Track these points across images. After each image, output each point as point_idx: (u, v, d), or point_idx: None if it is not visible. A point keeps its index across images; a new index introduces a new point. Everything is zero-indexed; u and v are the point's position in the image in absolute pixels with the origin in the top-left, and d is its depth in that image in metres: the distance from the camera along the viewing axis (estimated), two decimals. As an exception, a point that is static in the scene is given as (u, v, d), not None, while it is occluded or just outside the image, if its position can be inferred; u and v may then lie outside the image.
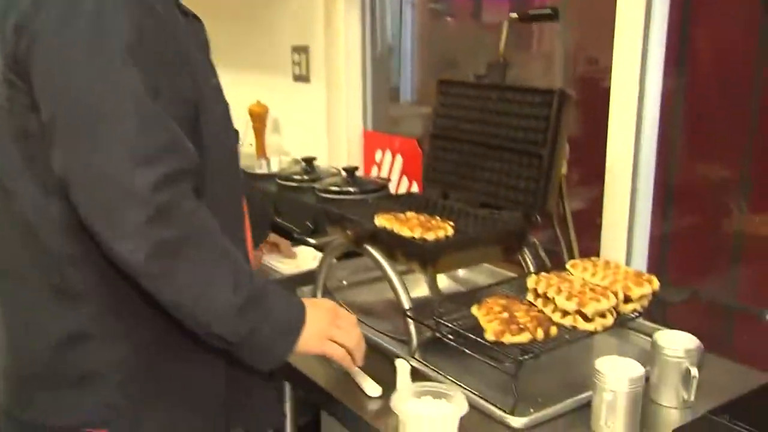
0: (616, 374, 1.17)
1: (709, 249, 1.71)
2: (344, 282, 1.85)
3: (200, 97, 1.11)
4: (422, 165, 1.88)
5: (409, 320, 1.41)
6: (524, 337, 1.22)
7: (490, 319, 1.27)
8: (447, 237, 1.48)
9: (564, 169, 1.65)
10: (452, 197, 1.81)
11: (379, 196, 2.04)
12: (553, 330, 1.25)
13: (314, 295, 1.75)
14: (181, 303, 1.03)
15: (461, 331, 1.28)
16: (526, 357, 1.19)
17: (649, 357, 1.31)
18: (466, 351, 1.25)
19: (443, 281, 1.82)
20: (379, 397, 1.32)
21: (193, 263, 1.01)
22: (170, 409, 1.15)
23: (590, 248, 1.80)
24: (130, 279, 1.00)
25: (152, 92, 0.99)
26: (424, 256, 1.44)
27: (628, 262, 1.75)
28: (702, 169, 1.72)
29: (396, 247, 1.51)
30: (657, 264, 1.78)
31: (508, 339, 1.22)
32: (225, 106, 1.21)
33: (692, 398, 1.25)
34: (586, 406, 1.26)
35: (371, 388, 1.33)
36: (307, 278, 1.78)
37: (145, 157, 0.96)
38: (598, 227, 1.82)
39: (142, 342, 1.11)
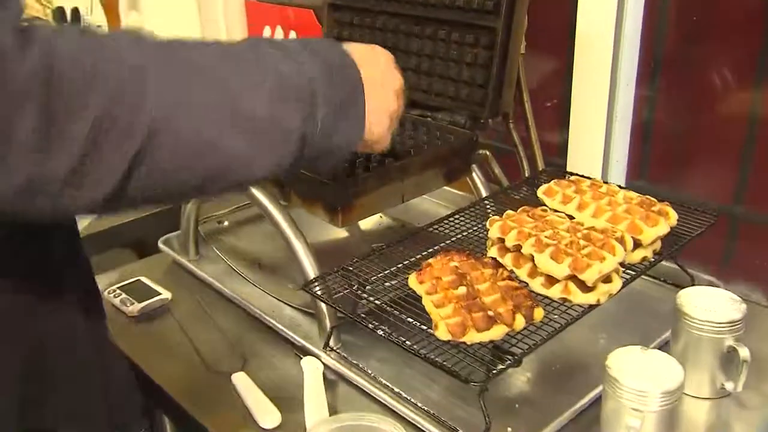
0: (640, 383, 0.75)
1: (710, 143, 1.28)
2: (224, 222, 1.34)
3: None
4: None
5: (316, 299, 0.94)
6: (496, 332, 0.77)
7: (439, 301, 0.81)
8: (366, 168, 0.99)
9: (523, 47, 1.15)
10: (366, 94, 1.30)
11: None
12: (538, 313, 0.81)
13: (184, 249, 1.25)
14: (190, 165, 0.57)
15: (396, 320, 0.82)
16: (496, 371, 0.75)
17: (671, 323, 0.90)
18: (410, 351, 0.80)
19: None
20: (277, 429, 0.86)
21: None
22: None
23: (548, 147, 1.35)
24: None
25: None
26: (331, 199, 0.94)
27: (604, 172, 1.30)
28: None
29: (288, 183, 1.01)
30: (637, 168, 1.35)
31: (471, 338, 0.77)
32: None
33: (740, 388, 0.86)
34: (591, 409, 0.85)
35: (265, 414, 0.87)
36: (165, 221, 1.27)
37: None
38: (557, 122, 1.36)
39: None
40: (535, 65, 1.42)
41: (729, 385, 0.86)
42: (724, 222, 1.25)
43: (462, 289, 0.82)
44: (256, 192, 1.00)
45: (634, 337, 0.99)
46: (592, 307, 0.84)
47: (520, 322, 0.78)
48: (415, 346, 0.79)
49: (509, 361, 0.76)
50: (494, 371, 0.75)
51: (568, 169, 1.29)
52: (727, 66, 1.19)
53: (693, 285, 1.05)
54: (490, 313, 0.77)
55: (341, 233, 1.28)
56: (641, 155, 1.35)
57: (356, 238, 1.30)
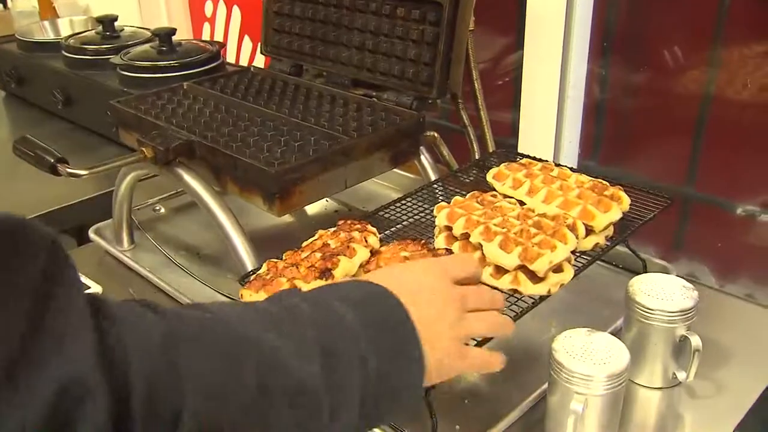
0: (585, 367, 0.72)
1: (663, 123, 1.26)
2: (160, 209, 1.27)
3: None
4: (262, 26, 1.26)
5: (253, 294, 0.88)
6: None
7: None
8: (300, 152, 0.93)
9: (472, 24, 1.10)
10: (308, 73, 1.24)
11: (200, 74, 1.41)
12: None
13: (117, 238, 1.17)
14: None
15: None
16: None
17: (624, 310, 0.87)
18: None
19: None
20: None
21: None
22: None
23: (498, 125, 1.31)
24: None
25: None
26: (268, 187, 0.88)
27: (557, 152, 1.27)
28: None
29: (223, 170, 0.94)
30: (590, 148, 1.32)
31: None
32: None
33: (692, 378, 0.83)
34: (543, 402, 0.82)
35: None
36: (91, 209, 1.19)
37: None
38: (510, 101, 1.32)
39: None
40: (486, 42, 1.37)
41: (681, 375, 0.83)
42: (676, 203, 1.23)
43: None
44: (189, 178, 0.94)
45: (587, 324, 0.96)
46: (542, 298, 0.80)
47: None
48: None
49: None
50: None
51: (520, 150, 1.25)
52: (680, 44, 1.17)
53: (645, 270, 1.03)
54: None
55: (285, 218, 1.22)
56: (593, 135, 1.32)
57: (302, 224, 1.25)
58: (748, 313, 1.00)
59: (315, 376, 0.49)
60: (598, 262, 1.08)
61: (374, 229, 0.87)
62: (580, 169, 1.04)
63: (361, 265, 0.81)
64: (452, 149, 1.23)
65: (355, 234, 0.85)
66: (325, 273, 0.78)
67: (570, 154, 1.29)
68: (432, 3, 1.02)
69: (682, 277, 0.87)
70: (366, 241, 0.84)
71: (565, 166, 1.01)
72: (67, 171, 0.90)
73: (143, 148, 0.94)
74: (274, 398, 0.48)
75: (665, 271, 1.02)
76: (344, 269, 0.79)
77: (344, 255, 0.80)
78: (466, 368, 0.65)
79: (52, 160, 0.89)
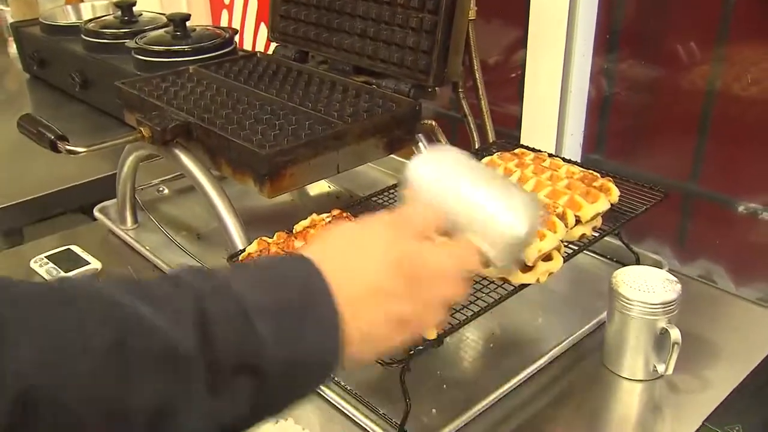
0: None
1: (668, 118, 1.25)
2: (163, 190, 1.29)
3: None
4: (268, 13, 1.28)
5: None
6: None
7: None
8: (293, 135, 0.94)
9: (473, 13, 1.10)
10: (313, 59, 1.25)
11: (212, 59, 1.43)
12: None
13: (121, 217, 1.20)
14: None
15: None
16: (413, 350, 0.72)
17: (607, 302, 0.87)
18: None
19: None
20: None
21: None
22: None
23: (505, 117, 1.31)
24: None
25: None
26: (260, 168, 0.90)
27: (558, 145, 1.26)
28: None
29: (218, 151, 0.96)
30: (594, 142, 1.31)
31: None
32: None
33: (670, 371, 0.83)
34: (523, 387, 0.82)
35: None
36: (103, 188, 1.22)
37: None
38: (518, 93, 1.32)
39: None
40: (496, 35, 1.37)
41: (660, 367, 0.83)
42: (679, 200, 1.22)
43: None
44: (185, 158, 0.96)
45: (575, 315, 0.97)
46: (523, 286, 0.81)
47: None
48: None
49: (427, 342, 0.73)
50: (411, 352, 0.72)
51: (522, 142, 1.25)
52: (686, 40, 1.15)
53: (638, 263, 1.03)
54: None
55: (285, 199, 1.24)
56: (598, 129, 1.31)
57: (302, 207, 1.26)
58: (735, 308, 1.00)
59: (188, 338, 0.44)
60: (593, 254, 1.09)
61: None
62: (585, 163, 1.03)
63: None
64: (458, 138, 1.24)
65: None
66: None
67: (573, 147, 1.28)
68: (431, -8, 1.02)
69: (676, 272, 0.87)
70: None
71: (559, 156, 1.01)
72: (66, 148, 0.93)
73: (141, 128, 0.97)
74: (134, 361, 0.43)
75: (657, 265, 1.01)
76: None
77: None
78: (408, 341, 0.55)
79: (52, 137, 0.91)
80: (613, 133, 1.30)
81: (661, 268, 0.90)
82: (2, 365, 0.39)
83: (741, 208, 1.16)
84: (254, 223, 1.00)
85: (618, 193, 0.92)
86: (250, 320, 0.46)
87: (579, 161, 1.25)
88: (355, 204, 0.98)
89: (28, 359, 0.40)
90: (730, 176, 1.17)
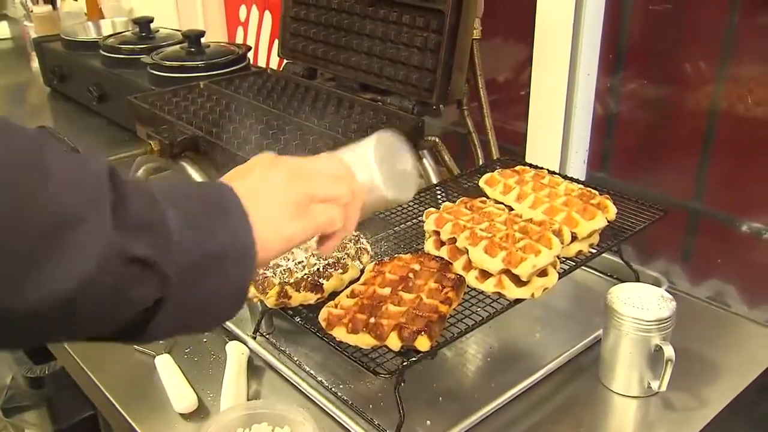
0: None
1: (674, 137, 1.25)
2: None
3: None
4: (279, 30, 1.31)
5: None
6: (361, 340, 0.74)
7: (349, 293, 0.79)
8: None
9: (477, 32, 1.12)
10: (322, 76, 1.28)
11: (224, 75, 1.46)
12: (421, 342, 0.72)
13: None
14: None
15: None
16: (407, 363, 0.73)
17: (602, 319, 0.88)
18: (323, 339, 0.78)
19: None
20: (192, 414, 0.85)
21: None
22: None
23: (513, 134, 1.32)
24: None
25: None
26: (263, 182, 0.92)
27: (563, 163, 1.27)
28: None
29: (224, 164, 0.99)
30: (599, 160, 1.32)
31: (338, 334, 0.75)
32: None
33: (664, 388, 0.83)
34: (516, 402, 0.83)
35: (180, 398, 0.85)
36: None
37: None
38: (521, 110, 1.33)
39: None
40: (505, 53, 1.39)
41: (655, 384, 0.83)
42: (684, 219, 1.22)
43: (387, 290, 0.79)
44: (191, 171, 0.99)
45: (573, 331, 0.98)
46: (518, 300, 0.82)
47: (393, 341, 0.73)
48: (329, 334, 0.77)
49: (421, 354, 0.74)
50: (405, 363, 0.73)
51: (527, 159, 1.27)
52: (691, 59, 1.16)
53: (638, 281, 1.03)
54: (372, 320, 0.74)
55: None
56: (603, 147, 1.32)
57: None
58: (739, 328, 1.00)
59: (102, 172, 0.46)
60: (594, 271, 1.10)
61: (368, 246, 0.90)
62: (590, 181, 1.04)
63: (350, 282, 0.84)
64: (465, 155, 1.25)
65: (350, 247, 0.88)
66: (316, 287, 0.81)
67: (577, 166, 1.29)
68: (435, 11, 1.05)
69: (678, 291, 0.87)
70: (359, 260, 0.87)
71: (559, 174, 1.02)
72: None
73: (151, 142, 1.00)
74: (52, 172, 0.44)
75: (657, 283, 1.02)
76: (334, 285, 0.83)
77: (337, 270, 0.84)
78: (310, 228, 0.60)
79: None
80: (619, 151, 1.31)
81: (659, 287, 0.90)
82: None
83: (744, 228, 1.16)
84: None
85: (615, 211, 0.93)
86: (161, 206, 0.49)
87: (583, 179, 1.27)
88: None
89: None
90: (734, 195, 1.17)
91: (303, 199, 0.59)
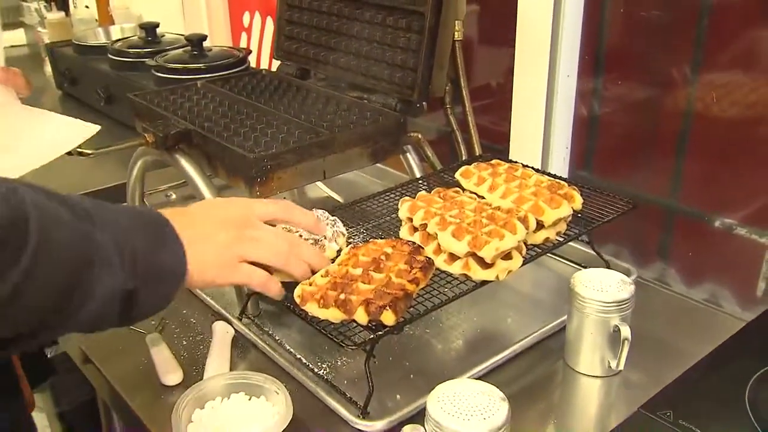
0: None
1: (653, 137, 1.30)
2: (171, 194, 1.38)
3: None
4: (275, 32, 1.37)
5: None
6: (331, 314, 0.79)
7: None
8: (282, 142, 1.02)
9: (459, 34, 1.18)
10: (315, 76, 1.34)
11: (225, 77, 1.53)
12: (386, 316, 0.76)
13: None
14: None
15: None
16: (373, 336, 0.78)
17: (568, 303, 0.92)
18: (295, 314, 0.83)
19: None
20: (177, 386, 0.91)
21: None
22: None
23: (500, 135, 1.37)
24: None
25: None
26: (249, 172, 0.98)
27: (545, 161, 1.32)
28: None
29: (215, 156, 1.05)
30: (582, 159, 1.37)
31: (310, 309, 0.79)
32: None
33: (621, 367, 0.88)
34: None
35: (167, 372, 0.91)
36: (109, 197, 1.31)
37: None
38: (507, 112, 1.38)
39: None
40: (493, 55, 1.44)
41: (613, 363, 0.88)
42: (660, 215, 1.27)
43: (359, 270, 0.84)
44: (184, 162, 1.05)
45: (543, 316, 1.02)
46: (484, 282, 0.87)
47: (360, 315, 0.77)
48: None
49: (387, 329, 0.79)
50: (372, 337, 0.78)
51: (511, 157, 1.32)
52: (666, 61, 1.21)
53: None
54: (342, 296, 0.78)
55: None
56: (586, 146, 1.37)
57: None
58: (702, 316, 1.05)
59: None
60: (568, 262, 1.14)
61: (343, 229, 0.94)
62: (573, 179, 1.09)
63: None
64: (453, 151, 1.30)
65: (327, 230, 0.93)
66: None
67: (558, 164, 1.34)
68: (416, 13, 1.10)
69: (642, 279, 0.92)
70: (335, 241, 0.92)
71: (530, 166, 1.08)
72: (76, 150, 1.02)
73: (146, 134, 1.06)
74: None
75: (627, 273, 1.06)
76: None
77: None
78: (237, 279, 0.75)
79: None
80: (600, 150, 1.36)
81: (629, 276, 0.95)
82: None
83: (717, 224, 1.20)
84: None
85: (581, 201, 0.97)
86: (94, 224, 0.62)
87: (566, 176, 1.32)
88: (347, 206, 1.05)
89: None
90: (708, 193, 1.21)
91: (234, 260, 0.74)
